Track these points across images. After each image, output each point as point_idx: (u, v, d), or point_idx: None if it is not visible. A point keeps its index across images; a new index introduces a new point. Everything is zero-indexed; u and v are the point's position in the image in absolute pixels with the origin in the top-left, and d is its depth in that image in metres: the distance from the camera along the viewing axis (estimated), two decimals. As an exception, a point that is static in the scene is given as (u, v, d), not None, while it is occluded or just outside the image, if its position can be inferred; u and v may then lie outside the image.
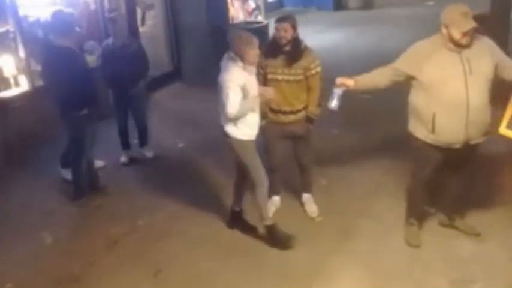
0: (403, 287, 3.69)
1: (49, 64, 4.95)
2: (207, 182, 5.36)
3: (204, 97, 7.99)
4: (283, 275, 3.90)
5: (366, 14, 14.41)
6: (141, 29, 8.74)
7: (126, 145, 6.07)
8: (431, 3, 14.48)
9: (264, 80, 4.29)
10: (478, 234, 4.09)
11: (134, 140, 6.19)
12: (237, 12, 11.43)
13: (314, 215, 4.61)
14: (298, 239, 4.25)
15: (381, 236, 4.24)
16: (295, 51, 4.21)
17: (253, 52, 3.88)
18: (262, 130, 4.28)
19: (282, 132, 4.38)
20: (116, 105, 5.85)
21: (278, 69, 4.22)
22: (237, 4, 11.51)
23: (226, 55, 3.96)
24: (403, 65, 3.76)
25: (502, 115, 4.14)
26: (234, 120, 3.94)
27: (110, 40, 5.78)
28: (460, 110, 3.54)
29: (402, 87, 3.83)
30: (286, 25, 4.19)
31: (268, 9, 13.92)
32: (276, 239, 4.21)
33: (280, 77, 4.23)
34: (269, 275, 3.91)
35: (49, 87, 5.07)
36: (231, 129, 4.02)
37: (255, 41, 3.90)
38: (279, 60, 4.22)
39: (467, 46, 3.54)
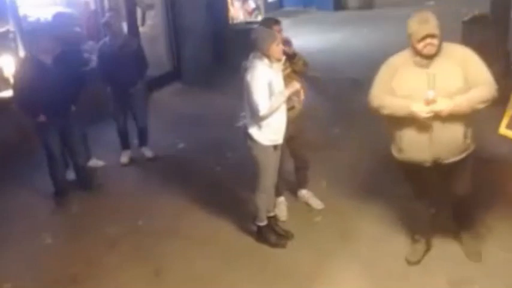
0: (402, 287, 3.69)
1: (15, 70, 5.16)
2: (207, 182, 5.36)
3: (204, 97, 8.04)
4: (283, 275, 3.89)
5: (366, 14, 14.39)
6: (141, 29, 8.74)
7: (126, 145, 6.07)
8: (431, 3, 14.47)
9: None
10: (477, 258, 3.84)
11: (134, 140, 6.19)
12: (237, 12, 11.45)
13: (320, 207, 4.64)
14: (298, 239, 4.25)
15: (381, 236, 4.24)
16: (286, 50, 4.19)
17: (278, 48, 3.84)
18: None
19: None
20: (116, 106, 5.85)
21: None
22: (237, 4, 11.52)
23: (251, 54, 3.90)
24: (378, 89, 3.50)
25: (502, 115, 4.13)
26: (261, 121, 3.87)
27: (107, 39, 5.77)
28: (422, 128, 3.35)
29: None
30: (279, 27, 4.22)
31: (268, 9, 13.93)
32: (263, 240, 4.24)
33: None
34: (269, 274, 3.91)
35: (12, 91, 5.16)
36: (254, 132, 3.96)
37: (279, 37, 3.87)
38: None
39: (431, 56, 3.29)
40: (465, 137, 3.40)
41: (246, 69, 3.90)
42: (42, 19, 6.84)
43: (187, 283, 3.93)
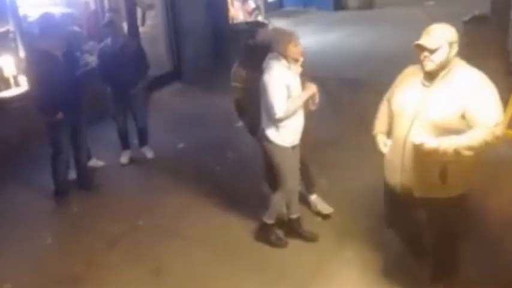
0: (403, 287, 3.69)
1: (29, 67, 5.08)
2: (207, 182, 5.36)
3: (204, 97, 8.04)
4: (283, 275, 3.89)
5: (366, 14, 14.39)
6: (141, 29, 8.75)
7: (126, 145, 6.07)
8: (431, 3, 14.47)
9: (248, 93, 4.17)
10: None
11: (134, 140, 6.19)
12: (237, 12, 11.45)
13: (329, 211, 4.56)
14: (299, 239, 4.25)
15: (381, 236, 4.24)
16: None
17: (296, 49, 3.78)
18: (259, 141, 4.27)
19: None
20: (116, 106, 5.85)
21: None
22: (237, 4, 11.52)
23: (269, 55, 3.84)
24: (389, 93, 3.28)
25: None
26: (277, 123, 3.82)
27: (108, 41, 5.77)
28: (397, 151, 3.07)
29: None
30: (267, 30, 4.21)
31: (268, 9, 13.94)
32: (265, 238, 4.23)
33: None
34: (269, 274, 3.91)
35: (29, 90, 5.15)
36: (271, 133, 3.89)
37: (296, 37, 3.81)
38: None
39: (432, 75, 2.93)
40: (442, 179, 2.96)
41: (263, 71, 3.84)
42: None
43: (187, 283, 3.93)
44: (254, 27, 4.28)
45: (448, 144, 2.81)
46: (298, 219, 4.29)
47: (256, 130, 4.27)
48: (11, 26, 6.39)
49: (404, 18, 12.85)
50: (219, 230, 4.52)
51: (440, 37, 2.86)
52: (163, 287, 3.94)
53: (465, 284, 3.42)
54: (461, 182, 3.04)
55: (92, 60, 7.00)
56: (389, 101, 3.23)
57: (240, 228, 4.52)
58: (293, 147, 3.99)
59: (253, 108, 4.23)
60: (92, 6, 8.12)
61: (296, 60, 3.82)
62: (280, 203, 4.14)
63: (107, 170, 5.82)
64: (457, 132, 2.84)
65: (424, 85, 2.98)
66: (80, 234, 4.66)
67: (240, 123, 4.45)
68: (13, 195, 5.40)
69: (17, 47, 6.39)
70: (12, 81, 6.34)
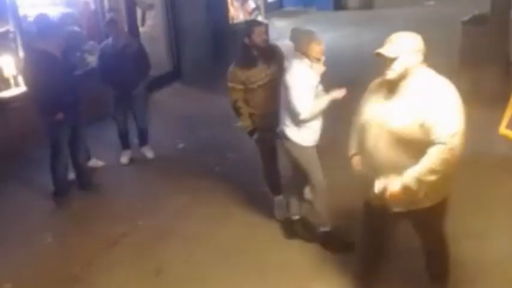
0: (403, 287, 3.69)
1: (27, 67, 5.08)
2: (207, 182, 5.35)
3: (204, 97, 8.03)
4: (283, 275, 3.89)
5: (366, 14, 14.40)
6: (141, 29, 8.75)
7: (126, 145, 6.07)
8: (431, 3, 14.48)
9: (248, 93, 4.18)
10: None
11: (134, 140, 6.20)
12: (237, 12, 11.43)
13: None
14: (298, 239, 4.25)
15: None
16: (268, 48, 4.20)
17: (318, 48, 3.76)
18: (256, 142, 4.29)
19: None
20: (117, 106, 5.84)
21: (259, 75, 4.13)
22: (237, 4, 11.51)
23: (292, 55, 3.82)
24: (358, 110, 3.17)
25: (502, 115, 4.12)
26: (301, 124, 3.78)
27: (109, 41, 5.77)
28: (369, 166, 2.98)
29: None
30: (264, 28, 4.20)
31: (268, 9, 13.93)
32: (332, 246, 4.06)
33: (264, 81, 4.14)
34: (270, 274, 3.91)
35: (28, 90, 5.14)
36: (292, 133, 3.86)
37: (318, 36, 3.79)
38: (259, 66, 4.14)
39: (393, 85, 2.83)
40: (420, 192, 2.80)
41: (285, 71, 3.81)
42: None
43: (188, 283, 3.93)
44: (250, 26, 4.24)
45: (409, 178, 2.73)
46: (300, 221, 4.26)
47: (253, 131, 4.27)
48: (11, 26, 6.38)
49: (404, 19, 12.87)
50: (219, 230, 4.52)
51: (401, 46, 2.76)
52: (163, 287, 3.94)
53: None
54: (441, 190, 2.93)
55: (92, 60, 7.00)
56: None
57: (241, 228, 4.52)
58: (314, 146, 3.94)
59: (249, 109, 4.24)
60: (92, 6, 8.11)
61: (318, 59, 3.78)
62: (320, 203, 4.03)
63: (107, 170, 5.82)
64: (422, 143, 2.71)
65: (387, 95, 2.88)
66: (80, 234, 4.66)
67: (239, 124, 4.44)
68: (13, 195, 5.40)
69: (17, 47, 6.39)
70: (12, 81, 6.34)
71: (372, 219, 3.17)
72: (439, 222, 3.12)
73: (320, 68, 3.80)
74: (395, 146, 2.78)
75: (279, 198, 4.55)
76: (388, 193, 2.77)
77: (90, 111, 5.75)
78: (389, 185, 2.77)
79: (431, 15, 12.15)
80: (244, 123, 4.34)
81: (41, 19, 5.17)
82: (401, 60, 2.74)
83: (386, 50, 2.76)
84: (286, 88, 3.75)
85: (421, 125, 2.69)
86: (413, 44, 2.78)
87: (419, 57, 2.79)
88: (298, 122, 3.77)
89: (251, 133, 4.33)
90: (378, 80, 3.03)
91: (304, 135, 3.85)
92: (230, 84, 4.25)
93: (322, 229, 4.12)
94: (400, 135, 2.75)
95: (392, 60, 2.75)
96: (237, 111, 4.36)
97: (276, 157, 4.45)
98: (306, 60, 3.75)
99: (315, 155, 3.95)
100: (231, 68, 4.25)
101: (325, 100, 3.77)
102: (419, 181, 2.71)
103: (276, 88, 4.03)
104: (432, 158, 2.68)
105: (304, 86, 3.68)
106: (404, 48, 2.75)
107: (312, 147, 3.91)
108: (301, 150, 3.90)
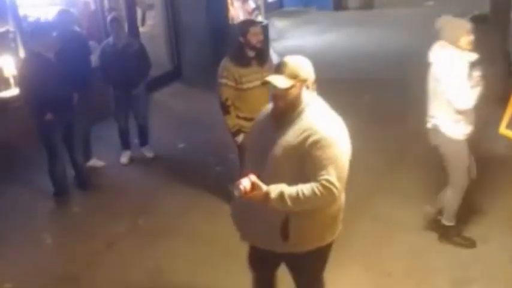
0: (403, 287, 3.69)
1: (19, 69, 5.15)
2: (207, 182, 5.35)
3: (204, 97, 8.00)
4: (284, 275, 3.88)
5: (366, 14, 14.41)
6: (141, 29, 8.76)
7: (126, 145, 6.07)
8: (431, 3, 14.48)
9: (236, 92, 4.16)
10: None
11: (134, 140, 6.20)
12: (237, 12, 11.43)
13: None
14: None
15: (381, 236, 4.24)
16: (264, 49, 4.21)
17: (468, 39, 3.62)
18: (239, 146, 4.26)
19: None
20: (117, 106, 5.85)
21: (251, 75, 4.13)
22: (237, 4, 11.50)
23: (435, 44, 3.72)
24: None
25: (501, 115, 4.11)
26: (458, 115, 3.64)
27: (110, 40, 5.76)
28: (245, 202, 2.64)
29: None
30: (260, 28, 4.19)
31: (268, 9, 13.93)
32: (450, 240, 4.04)
33: (254, 83, 4.13)
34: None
35: (19, 91, 5.16)
36: (449, 128, 3.72)
37: (470, 27, 3.65)
38: (253, 67, 4.14)
39: (280, 116, 2.58)
40: (285, 232, 2.60)
41: (431, 63, 3.69)
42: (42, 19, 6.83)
43: (188, 283, 3.93)
44: (245, 25, 4.24)
45: (275, 190, 2.47)
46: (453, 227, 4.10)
47: (237, 132, 4.23)
48: (11, 26, 6.38)
49: (404, 19, 12.88)
50: (220, 230, 4.51)
51: (300, 75, 2.51)
52: (163, 287, 3.94)
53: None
54: (308, 239, 2.68)
55: (92, 60, 6.99)
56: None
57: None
58: (466, 140, 3.82)
59: (236, 110, 4.20)
60: (92, 6, 8.11)
61: (468, 50, 3.65)
62: (453, 201, 3.95)
63: (107, 170, 5.82)
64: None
65: (272, 126, 2.61)
66: (80, 234, 4.66)
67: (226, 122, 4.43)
68: (13, 195, 5.40)
69: (17, 47, 6.39)
70: (12, 81, 6.34)
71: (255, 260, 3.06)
72: (314, 269, 2.92)
73: (469, 57, 3.64)
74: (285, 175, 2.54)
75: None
76: (241, 185, 2.45)
77: (91, 111, 5.75)
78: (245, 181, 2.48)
79: (431, 15, 12.15)
80: (230, 122, 4.32)
81: (35, 21, 5.23)
82: (291, 91, 2.50)
83: (279, 81, 2.49)
84: (442, 80, 3.62)
85: (301, 163, 2.50)
86: (303, 73, 2.55)
87: (310, 87, 2.60)
88: (456, 113, 3.64)
89: (235, 134, 4.31)
90: (266, 109, 2.77)
91: (460, 128, 3.72)
92: (222, 80, 4.22)
93: (445, 223, 4.04)
94: (281, 169, 2.55)
95: (280, 90, 2.49)
96: (225, 109, 4.31)
97: None
98: (455, 51, 3.61)
99: (466, 150, 3.83)
100: (225, 62, 4.21)
101: (477, 89, 3.62)
102: (281, 196, 2.46)
103: (267, 93, 3.99)
104: (313, 191, 2.48)
105: (461, 76, 3.56)
106: (300, 78, 2.52)
107: (463, 141, 3.78)
108: (454, 145, 3.77)
